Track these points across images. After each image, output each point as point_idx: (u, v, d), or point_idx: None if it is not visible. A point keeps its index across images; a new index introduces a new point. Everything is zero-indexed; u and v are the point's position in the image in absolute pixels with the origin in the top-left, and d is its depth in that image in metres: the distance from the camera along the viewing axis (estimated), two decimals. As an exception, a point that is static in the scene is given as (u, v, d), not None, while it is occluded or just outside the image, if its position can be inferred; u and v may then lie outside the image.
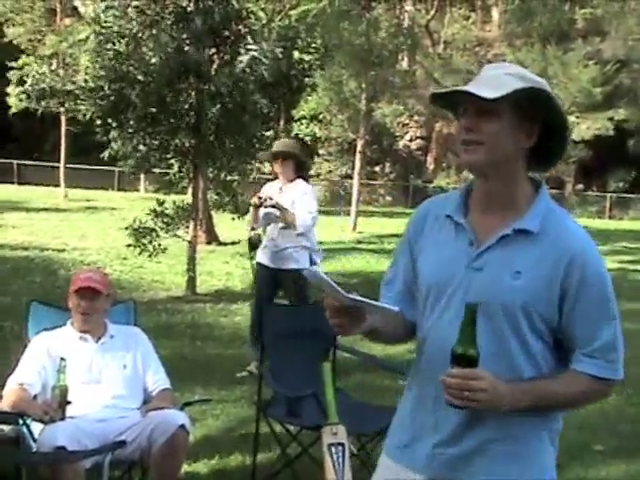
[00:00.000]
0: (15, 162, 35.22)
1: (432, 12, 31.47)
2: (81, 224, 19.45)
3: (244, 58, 9.58)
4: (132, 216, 10.22)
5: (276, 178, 6.29)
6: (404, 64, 30.10)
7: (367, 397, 5.00)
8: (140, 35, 9.70)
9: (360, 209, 23.20)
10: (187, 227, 10.05)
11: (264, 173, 15.45)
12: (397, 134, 36.07)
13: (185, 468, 3.96)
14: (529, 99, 1.84)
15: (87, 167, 31.68)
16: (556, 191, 31.10)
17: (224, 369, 6.48)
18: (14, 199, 25.18)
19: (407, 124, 35.82)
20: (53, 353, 3.56)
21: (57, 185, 29.26)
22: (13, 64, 28.80)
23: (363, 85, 22.09)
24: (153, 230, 9.79)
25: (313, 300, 5.91)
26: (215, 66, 9.85)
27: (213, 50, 9.86)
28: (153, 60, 9.56)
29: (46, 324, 3.79)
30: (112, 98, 9.64)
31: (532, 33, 29.27)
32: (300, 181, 6.12)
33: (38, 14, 30.81)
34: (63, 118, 26.94)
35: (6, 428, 3.39)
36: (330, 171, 34.83)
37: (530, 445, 1.89)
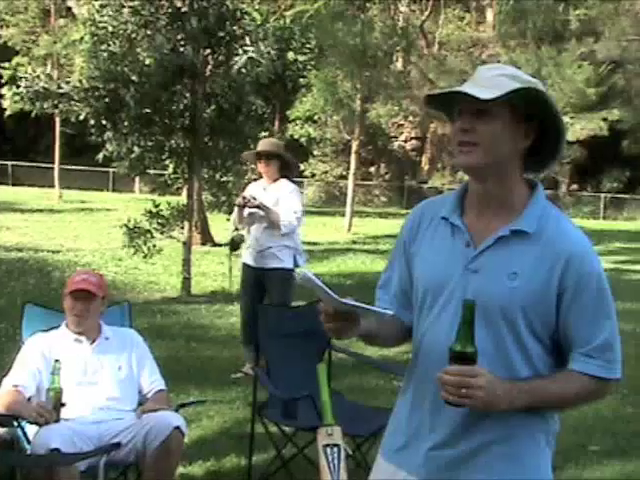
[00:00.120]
0: (9, 163, 35.16)
1: (426, 13, 31.47)
2: (76, 225, 19.43)
3: (241, 58, 9.58)
4: (127, 217, 10.21)
5: (261, 178, 6.29)
6: (399, 65, 30.09)
7: (362, 398, 5.00)
8: (135, 36, 9.70)
9: (355, 210, 23.22)
10: (182, 228, 10.04)
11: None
12: (392, 135, 36.07)
13: (180, 470, 3.96)
14: (525, 100, 1.84)
15: (82, 168, 31.63)
16: (550, 191, 31.13)
17: (219, 370, 6.48)
18: (8, 200, 25.12)
19: (402, 125, 35.81)
20: (48, 355, 3.55)
21: (51, 186, 29.18)
22: (6, 64, 28.72)
23: (358, 86, 22.11)
24: (148, 231, 9.78)
25: (292, 301, 5.95)
26: (210, 67, 9.85)
27: (208, 51, 9.85)
28: (148, 61, 9.56)
29: (41, 326, 3.78)
30: (107, 99, 9.63)
31: (526, 34, 29.27)
32: (284, 181, 6.11)
33: (32, 15, 30.74)
34: (57, 119, 26.88)
35: (0, 430, 3.38)
36: (325, 172, 34.82)
37: (526, 447, 1.89)
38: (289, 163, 6.23)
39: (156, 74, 9.41)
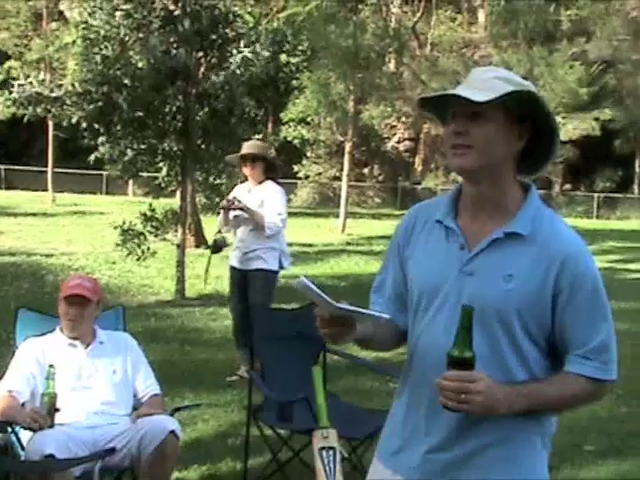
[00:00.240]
0: (2, 167, 35.05)
1: (418, 14, 31.57)
2: (69, 229, 19.37)
3: (236, 58, 9.58)
4: (121, 220, 10.19)
5: (246, 180, 6.29)
6: (391, 66, 30.15)
7: (358, 401, 4.99)
8: (127, 39, 9.69)
9: (349, 211, 23.23)
10: (176, 231, 10.03)
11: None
12: (385, 136, 36.09)
13: (175, 474, 3.94)
14: (518, 102, 1.84)
15: (75, 171, 31.55)
16: (544, 191, 31.19)
17: (214, 373, 6.46)
18: (1, 204, 25.01)
19: (395, 126, 35.83)
20: (42, 360, 3.53)
21: (45, 190, 29.10)
22: (-2, 68, 28.69)
23: (351, 87, 22.13)
24: (141, 234, 9.76)
25: (273, 302, 5.96)
26: (203, 69, 9.84)
27: (201, 53, 9.85)
28: (140, 64, 9.55)
29: (34, 331, 3.76)
30: (99, 103, 9.62)
31: (518, 34, 29.36)
32: (269, 183, 6.11)
33: (24, 18, 30.66)
34: (50, 123, 26.83)
35: (-6, 436, 3.37)
36: (319, 173, 34.81)
37: (522, 449, 1.89)
38: (274, 165, 6.25)
39: (149, 77, 9.40)
